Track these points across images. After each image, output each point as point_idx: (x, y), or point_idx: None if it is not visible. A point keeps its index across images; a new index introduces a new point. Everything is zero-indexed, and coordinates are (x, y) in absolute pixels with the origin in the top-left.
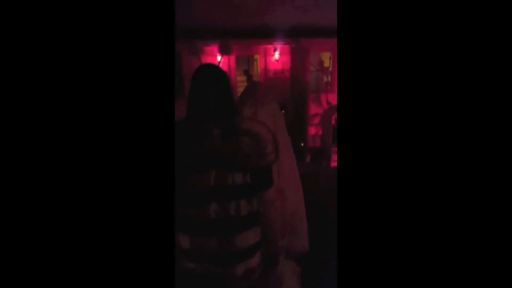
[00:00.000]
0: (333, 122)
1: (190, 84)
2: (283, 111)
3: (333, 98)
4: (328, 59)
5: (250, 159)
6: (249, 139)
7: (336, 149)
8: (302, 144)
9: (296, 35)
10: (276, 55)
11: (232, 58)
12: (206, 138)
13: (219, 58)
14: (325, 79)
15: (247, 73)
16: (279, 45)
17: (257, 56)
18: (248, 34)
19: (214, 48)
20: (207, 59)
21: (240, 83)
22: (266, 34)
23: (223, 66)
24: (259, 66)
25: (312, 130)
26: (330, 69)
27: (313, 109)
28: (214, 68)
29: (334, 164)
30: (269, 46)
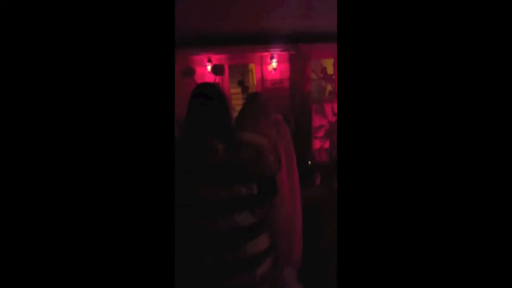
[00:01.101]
0: None
1: (188, 104)
2: None
3: None
4: (331, 65)
5: (254, 169)
6: (250, 150)
7: None
8: (310, 162)
9: (295, 41)
10: (274, 63)
11: (225, 68)
12: (210, 152)
13: (209, 67)
14: (329, 88)
15: (242, 84)
16: (276, 52)
17: (252, 65)
18: (241, 41)
19: (203, 57)
20: (196, 69)
21: (234, 95)
22: (262, 40)
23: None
24: (255, 76)
25: (316, 144)
26: (334, 76)
27: (317, 120)
28: (211, 86)
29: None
30: (265, 53)
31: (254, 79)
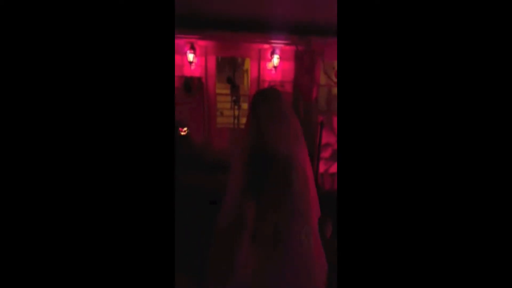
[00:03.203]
0: None
1: None
2: None
3: None
4: None
5: None
6: None
7: None
8: None
9: (304, 32)
10: (275, 59)
11: (211, 59)
12: None
13: (190, 57)
14: None
15: (232, 82)
16: (279, 45)
17: (247, 60)
18: (236, 26)
19: (184, 42)
20: (175, 57)
21: (220, 96)
22: (262, 28)
23: (197, 71)
24: (249, 73)
25: (321, 166)
26: None
27: (324, 137)
28: None
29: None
30: (266, 46)
31: (248, 78)
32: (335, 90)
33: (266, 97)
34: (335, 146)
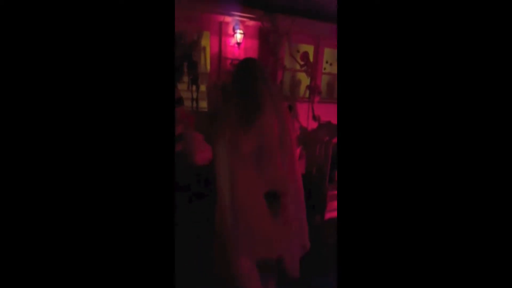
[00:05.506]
0: (330, 150)
1: None
2: None
3: (322, 111)
4: (311, 53)
5: None
6: None
7: (335, 192)
8: None
9: (270, 8)
10: (238, 35)
11: None
12: None
13: None
14: (306, 82)
15: (189, 58)
16: (243, 20)
17: (206, 34)
18: None
19: None
20: None
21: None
22: None
23: None
24: (208, 49)
25: None
26: (318, 67)
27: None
28: None
29: (332, 214)
30: (228, 19)
31: (207, 54)
32: (299, 75)
33: (256, 66)
34: (298, 132)
